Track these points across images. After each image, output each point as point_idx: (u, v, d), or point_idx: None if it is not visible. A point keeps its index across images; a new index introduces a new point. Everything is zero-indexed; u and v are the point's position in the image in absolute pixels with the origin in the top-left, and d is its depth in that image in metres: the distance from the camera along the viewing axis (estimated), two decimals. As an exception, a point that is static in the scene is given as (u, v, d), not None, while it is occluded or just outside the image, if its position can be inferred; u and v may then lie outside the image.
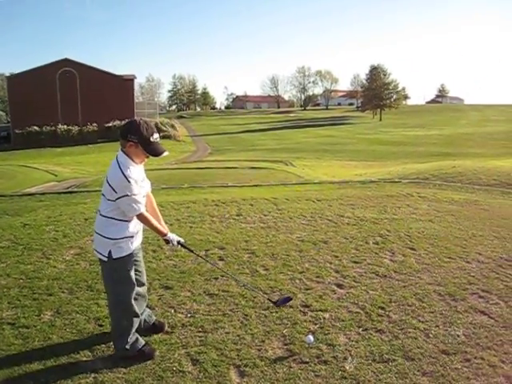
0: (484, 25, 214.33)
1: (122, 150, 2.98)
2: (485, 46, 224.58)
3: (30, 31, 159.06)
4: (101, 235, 3.01)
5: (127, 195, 2.87)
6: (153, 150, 2.98)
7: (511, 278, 4.49)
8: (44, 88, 42.97)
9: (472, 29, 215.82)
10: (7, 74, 55.09)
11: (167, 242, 3.21)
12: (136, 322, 3.18)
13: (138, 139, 2.91)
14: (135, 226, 3.07)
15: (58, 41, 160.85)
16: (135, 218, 3.02)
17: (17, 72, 47.97)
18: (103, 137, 43.02)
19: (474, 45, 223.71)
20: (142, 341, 3.18)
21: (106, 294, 4.01)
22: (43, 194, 9.78)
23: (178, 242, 3.22)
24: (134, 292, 3.15)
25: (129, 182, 2.86)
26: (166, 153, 3.07)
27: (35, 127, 41.69)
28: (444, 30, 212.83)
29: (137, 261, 3.22)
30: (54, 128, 42.40)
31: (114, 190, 2.87)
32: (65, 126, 42.83)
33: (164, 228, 3.22)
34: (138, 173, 3.00)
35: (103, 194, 3.00)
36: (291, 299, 3.80)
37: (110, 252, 2.98)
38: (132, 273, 3.11)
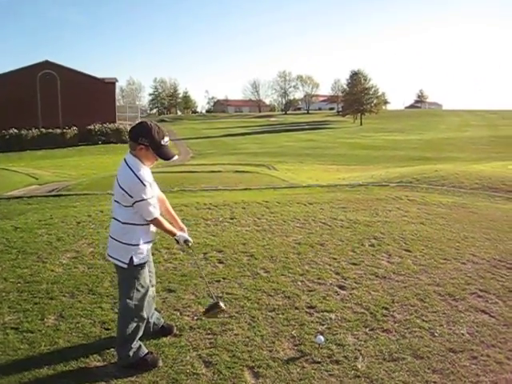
0: (461, 29, 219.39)
1: (131, 153, 2.97)
2: (463, 51, 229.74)
3: (6, 34, 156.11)
4: (120, 242, 2.97)
5: (144, 199, 2.86)
6: (164, 154, 2.98)
7: (506, 277, 4.62)
8: (24, 90, 42.14)
9: (450, 33, 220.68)
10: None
11: (177, 241, 3.20)
12: (142, 329, 3.15)
13: (149, 142, 2.90)
14: (153, 231, 3.07)
15: (38, 43, 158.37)
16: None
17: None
18: (84, 140, 42.55)
19: (452, 50, 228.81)
20: (144, 349, 3.14)
21: (110, 297, 4.02)
22: (31, 197, 9.62)
23: (185, 241, 3.19)
24: (147, 296, 3.13)
25: (144, 185, 2.86)
26: (176, 156, 3.10)
27: (15, 130, 40.89)
28: (422, 35, 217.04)
29: (149, 261, 3.21)
30: (33, 131, 41.65)
31: (128, 194, 2.86)
32: (44, 129, 42.13)
33: (177, 227, 3.22)
34: (149, 175, 3.00)
35: (116, 201, 2.97)
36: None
37: (131, 258, 2.95)
38: (148, 278, 3.10)
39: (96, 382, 2.89)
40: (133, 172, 2.87)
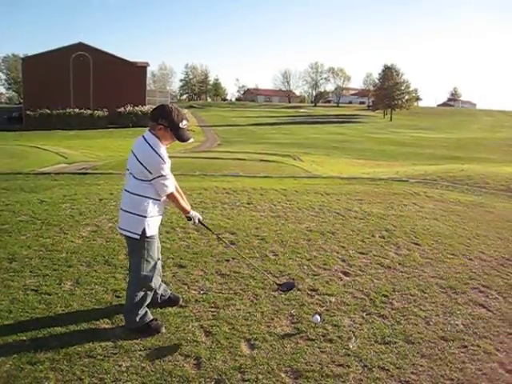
0: (498, 31, 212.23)
1: (150, 132, 3.16)
2: (498, 51, 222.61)
3: (43, 13, 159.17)
4: (133, 213, 3.14)
5: (162, 175, 3.06)
6: (181, 136, 3.16)
7: (511, 275, 4.66)
8: (57, 71, 43.28)
9: (486, 34, 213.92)
10: (21, 56, 55.50)
11: (189, 218, 3.39)
12: (149, 298, 3.35)
13: (168, 124, 3.09)
14: (163, 205, 3.27)
15: (70, 24, 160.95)
16: (163, 197, 3.20)
17: (30, 54, 48.36)
18: (113, 122, 43.39)
19: (487, 50, 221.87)
20: (150, 315, 3.33)
21: (123, 269, 4.26)
22: (58, 173, 10.03)
23: (199, 220, 3.42)
24: (156, 267, 3.33)
25: (164, 162, 3.07)
26: (192, 139, 3.28)
27: (47, 109, 42.01)
28: (457, 34, 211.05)
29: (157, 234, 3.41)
30: (65, 111, 42.70)
31: (148, 170, 3.04)
32: (76, 110, 43.13)
33: (188, 206, 3.41)
34: (166, 153, 3.19)
35: (132, 174, 3.15)
36: (294, 286, 3.97)
37: (144, 230, 3.13)
38: (157, 250, 3.30)
39: (104, 341, 3.12)
40: (153, 150, 3.07)
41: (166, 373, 2.81)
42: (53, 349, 3.02)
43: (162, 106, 3.20)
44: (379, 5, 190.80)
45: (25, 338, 3.13)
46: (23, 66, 46.99)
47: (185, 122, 3.18)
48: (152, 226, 3.20)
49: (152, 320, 3.33)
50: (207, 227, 3.67)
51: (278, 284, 3.88)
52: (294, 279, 4.23)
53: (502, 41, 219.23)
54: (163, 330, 3.28)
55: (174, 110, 3.15)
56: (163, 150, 3.13)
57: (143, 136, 3.17)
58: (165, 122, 3.09)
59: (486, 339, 3.35)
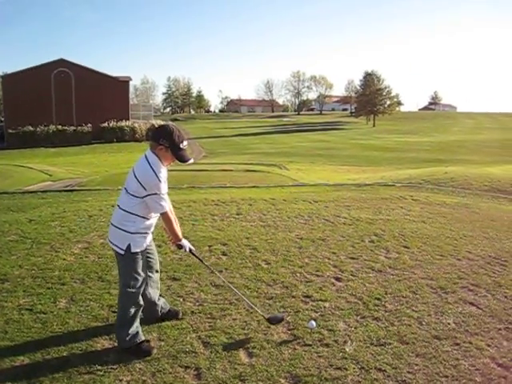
0: (476, 32, 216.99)
1: (151, 151, 3.18)
2: (478, 53, 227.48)
3: (23, 32, 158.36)
4: (120, 228, 3.18)
5: (156, 193, 3.08)
6: (181, 156, 3.20)
7: (499, 273, 4.79)
8: (39, 88, 42.90)
9: (465, 36, 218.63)
10: (0, 74, 55.04)
11: (179, 247, 3.36)
12: (138, 315, 3.33)
13: (169, 144, 3.13)
14: (152, 224, 3.30)
15: (52, 42, 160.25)
16: (153, 216, 3.24)
17: (10, 72, 47.95)
18: (97, 138, 43.07)
19: (467, 53, 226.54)
20: (141, 336, 3.30)
21: (118, 284, 4.26)
22: (44, 191, 9.96)
23: (190, 250, 3.39)
24: (144, 284, 3.33)
25: (160, 181, 3.09)
26: (192, 160, 3.32)
27: (29, 127, 41.61)
28: (437, 38, 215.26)
29: (150, 249, 3.44)
30: (48, 128, 42.34)
31: (143, 187, 3.07)
32: (59, 127, 42.80)
33: (180, 233, 3.36)
34: (165, 174, 3.21)
35: (126, 189, 3.18)
36: (283, 319, 3.63)
37: (128, 246, 3.16)
38: (142, 267, 3.29)
39: (103, 357, 3.14)
40: (151, 168, 3.10)
41: (167, 385, 2.84)
42: (51, 367, 3.03)
43: (164, 127, 3.24)
44: (361, 10, 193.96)
45: (22, 358, 3.14)
46: (3, 83, 46.49)
47: (185, 142, 3.22)
48: (138, 243, 3.22)
49: (143, 341, 3.29)
50: (198, 257, 3.60)
51: (266, 318, 3.58)
52: (285, 311, 3.86)
53: (481, 44, 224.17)
54: (154, 351, 3.22)
55: (175, 130, 3.18)
56: (163, 170, 3.16)
57: (145, 154, 3.20)
58: (166, 142, 3.12)
59: (478, 336, 3.45)
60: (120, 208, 3.23)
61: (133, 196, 3.14)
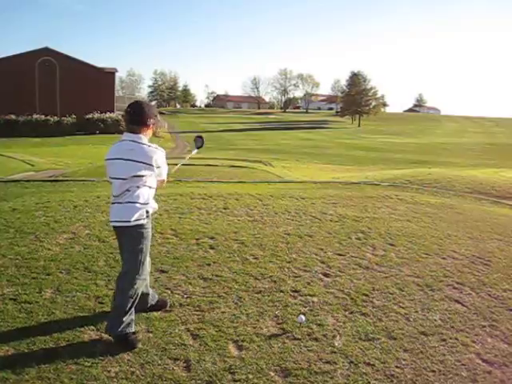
0: (463, 35, 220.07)
1: (135, 134, 3.19)
2: (464, 57, 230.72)
3: (9, 25, 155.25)
4: (131, 202, 3.16)
5: (165, 162, 3.32)
6: (158, 128, 3.31)
7: (482, 272, 4.88)
8: (22, 76, 42.10)
9: (451, 39, 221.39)
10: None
11: None
12: (134, 305, 3.29)
13: (154, 121, 3.27)
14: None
15: (38, 34, 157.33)
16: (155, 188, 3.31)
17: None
18: (81, 129, 42.53)
19: (453, 56, 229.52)
20: (133, 328, 3.26)
21: (113, 276, 4.19)
22: (28, 181, 9.80)
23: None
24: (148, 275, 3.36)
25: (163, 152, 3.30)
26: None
27: (12, 116, 40.82)
28: (424, 40, 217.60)
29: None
30: (31, 118, 41.59)
31: (153, 165, 3.17)
32: (43, 116, 42.07)
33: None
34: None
35: (125, 179, 3.15)
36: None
37: (147, 211, 3.22)
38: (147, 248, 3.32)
39: (91, 348, 3.10)
40: (153, 147, 3.22)
41: (156, 376, 2.82)
42: (38, 358, 2.97)
43: (146, 107, 3.27)
44: (341, 7, 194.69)
45: (7, 348, 3.08)
46: (-15, 71, 45.58)
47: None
48: (147, 213, 3.26)
49: (132, 333, 3.24)
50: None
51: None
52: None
53: (466, 48, 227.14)
54: (139, 345, 3.16)
55: (152, 106, 3.42)
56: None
57: (132, 140, 3.18)
58: (153, 121, 3.25)
59: (463, 332, 3.52)
60: (133, 202, 3.19)
61: (141, 177, 3.16)
